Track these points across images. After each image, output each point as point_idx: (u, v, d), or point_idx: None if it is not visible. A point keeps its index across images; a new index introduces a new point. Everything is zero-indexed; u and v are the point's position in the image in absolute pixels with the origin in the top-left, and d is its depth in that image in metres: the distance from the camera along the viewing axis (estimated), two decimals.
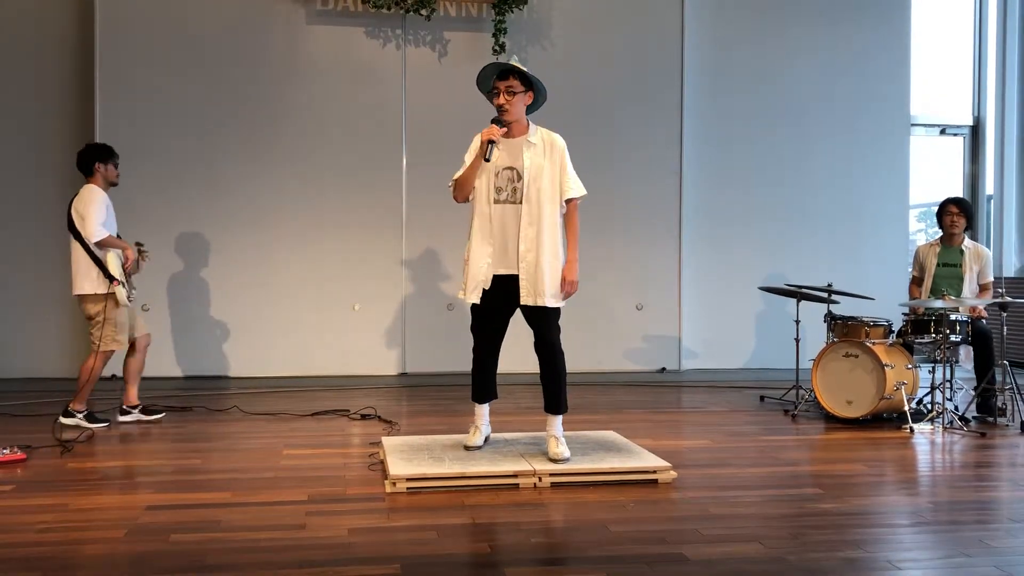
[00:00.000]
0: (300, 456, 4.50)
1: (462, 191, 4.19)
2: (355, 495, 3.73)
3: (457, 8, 7.63)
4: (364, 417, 5.57)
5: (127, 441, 4.88)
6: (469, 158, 4.17)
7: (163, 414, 5.51)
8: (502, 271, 4.12)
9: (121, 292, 5.14)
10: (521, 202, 4.08)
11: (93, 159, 5.32)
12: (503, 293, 4.13)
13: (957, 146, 9.06)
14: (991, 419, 5.52)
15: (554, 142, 4.19)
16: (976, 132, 8.99)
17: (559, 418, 4.20)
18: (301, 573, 2.80)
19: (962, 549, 3.07)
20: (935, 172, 8.97)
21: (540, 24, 7.78)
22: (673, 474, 3.98)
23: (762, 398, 6.38)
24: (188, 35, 7.33)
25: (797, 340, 6.19)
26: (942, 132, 8.98)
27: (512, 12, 7.51)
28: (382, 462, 4.18)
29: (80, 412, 5.18)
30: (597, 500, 3.66)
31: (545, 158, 4.14)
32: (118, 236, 5.36)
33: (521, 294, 4.09)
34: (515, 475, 3.88)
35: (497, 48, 7.40)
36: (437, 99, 7.58)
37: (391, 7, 7.30)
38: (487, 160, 4.04)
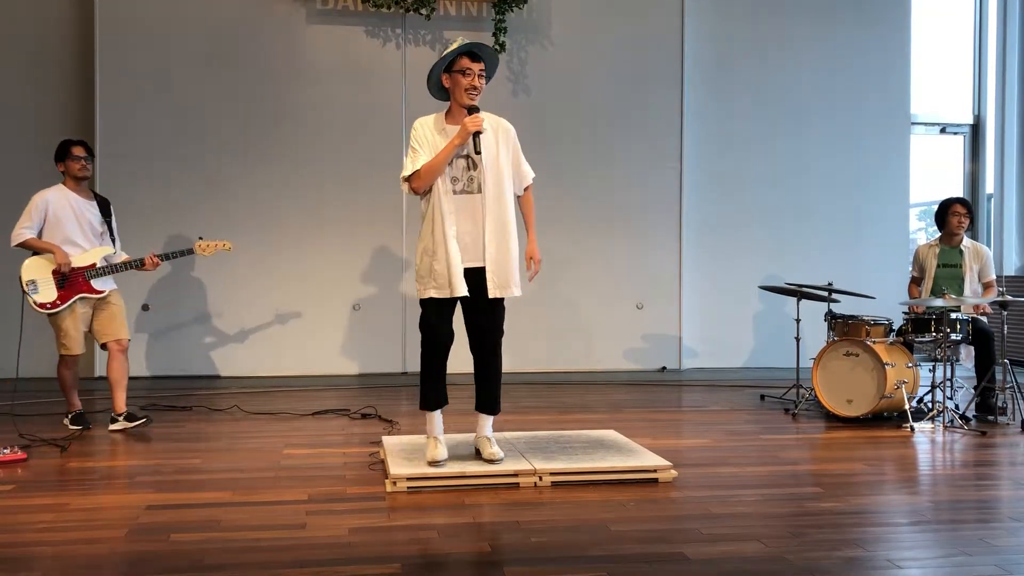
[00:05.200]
0: (300, 456, 4.50)
1: (428, 180, 3.89)
2: (355, 495, 3.72)
3: (457, 7, 7.63)
4: (364, 416, 5.57)
5: (127, 441, 4.88)
6: (426, 148, 3.91)
7: (144, 419, 5.14)
8: (468, 264, 3.91)
9: (30, 298, 4.97)
10: (480, 191, 3.91)
11: (55, 162, 5.23)
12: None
13: (957, 145, 9.05)
14: (991, 418, 5.52)
15: (504, 126, 4.04)
16: (976, 131, 8.99)
17: (491, 419, 4.11)
18: (301, 573, 2.80)
19: (963, 548, 3.07)
20: (935, 171, 8.96)
21: (540, 24, 7.78)
22: (673, 473, 3.98)
23: (762, 397, 6.38)
24: (188, 35, 7.33)
25: (797, 339, 6.18)
26: (942, 131, 8.97)
27: (512, 11, 7.52)
28: (382, 461, 4.18)
29: (69, 414, 5.20)
30: (597, 499, 3.66)
31: (499, 143, 3.98)
32: (116, 236, 5.29)
33: (489, 287, 3.90)
34: (515, 474, 3.87)
35: (497, 47, 7.39)
36: None
37: (391, 6, 7.30)
38: (478, 153, 3.87)
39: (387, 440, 4.48)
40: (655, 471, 3.96)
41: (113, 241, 5.30)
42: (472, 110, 3.89)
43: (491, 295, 3.93)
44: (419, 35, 7.61)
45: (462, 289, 3.87)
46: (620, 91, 7.88)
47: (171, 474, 4.11)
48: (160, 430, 5.18)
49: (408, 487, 3.77)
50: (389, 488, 3.78)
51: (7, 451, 4.30)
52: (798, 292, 6.02)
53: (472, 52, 3.92)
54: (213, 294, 7.40)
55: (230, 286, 7.41)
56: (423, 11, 7.32)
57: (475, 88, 3.90)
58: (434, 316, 3.97)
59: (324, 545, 3.06)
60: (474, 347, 4.05)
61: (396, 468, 3.87)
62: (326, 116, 7.49)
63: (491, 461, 3.96)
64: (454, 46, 3.94)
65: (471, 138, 3.87)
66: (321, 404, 6.03)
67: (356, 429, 5.20)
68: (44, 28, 7.27)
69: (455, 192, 3.92)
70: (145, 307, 7.28)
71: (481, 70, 3.92)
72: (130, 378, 7.20)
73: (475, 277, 3.93)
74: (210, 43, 7.36)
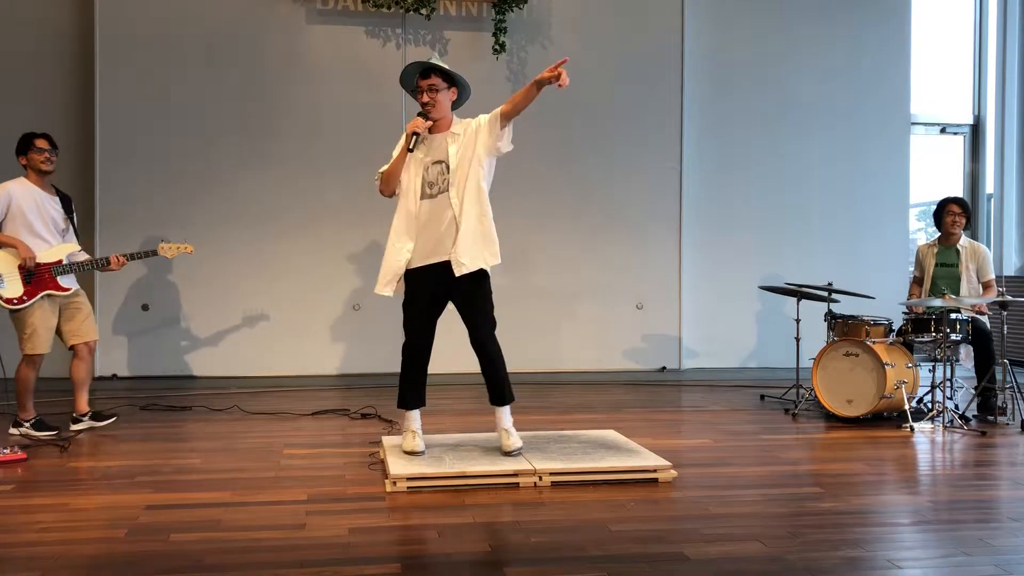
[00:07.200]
0: (300, 456, 4.50)
1: (388, 185, 4.24)
2: (355, 495, 3.73)
3: (457, 7, 7.62)
4: (364, 416, 5.57)
5: (127, 441, 4.87)
6: (397, 152, 4.22)
7: (114, 418, 5.21)
8: (433, 260, 4.15)
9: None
10: (448, 189, 4.13)
11: (16, 155, 5.08)
12: (434, 283, 4.16)
13: (957, 145, 9.05)
14: (991, 418, 5.52)
15: (470, 125, 4.23)
16: (976, 131, 8.99)
17: (507, 409, 4.21)
18: (301, 573, 2.80)
19: (962, 548, 3.07)
20: (935, 171, 8.96)
21: (540, 24, 7.78)
22: (673, 473, 3.98)
23: (762, 397, 6.38)
24: (188, 35, 7.32)
25: (797, 339, 6.18)
26: (942, 131, 8.97)
27: (512, 11, 7.51)
28: (382, 461, 4.18)
29: (27, 421, 4.91)
30: (597, 499, 3.66)
31: (469, 141, 4.18)
32: (77, 233, 5.11)
33: (455, 268, 4.06)
34: (515, 474, 3.88)
35: (497, 47, 7.40)
36: None
37: (391, 6, 7.30)
38: (411, 151, 4.13)
39: (387, 440, 4.49)
40: (655, 471, 3.96)
41: (77, 237, 5.15)
42: (421, 115, 4.18)
43: (457, 273, 4.07)
44: (419, 35, 7.61)
45: (388, 290, 4.21)
46: (620, 91, 7.88)
47: (171, 474, 4.11)
48: (160, 430, 5.18)
49: (408, 487, 3.77)
50: (389, 488, 3.78)
51: (7, 451, 4.30)
52: (798, 292, 6.02)
53: (420, 71, 4.20)
54: (212, 293, 7.40)
55: (230, 285, 7.40)
56: (423, 11, 7.32)
57: (425, 103, 4.16)
58: (413, 319, 4.22)
59: (324, 545, 3.06)
60: (471, 341, 4.20)
61: (396, 468, 3.87)
62: (326, 116, 7.49)
63: (507, 453, 4.08)
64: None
65: (413, 139, 4.12)
66: (321, 404, 6.03)
67: (356, 429, 5.21)
68: (44, 28, 7.26)
69: (426, 196, 4.17)
70: (145, 307, 7.28)
71: (430, 84, 4.15)
72: (130, 378, 7.25)
73: (442, 271, 4.13)
74: (210, 43, 7.36)
